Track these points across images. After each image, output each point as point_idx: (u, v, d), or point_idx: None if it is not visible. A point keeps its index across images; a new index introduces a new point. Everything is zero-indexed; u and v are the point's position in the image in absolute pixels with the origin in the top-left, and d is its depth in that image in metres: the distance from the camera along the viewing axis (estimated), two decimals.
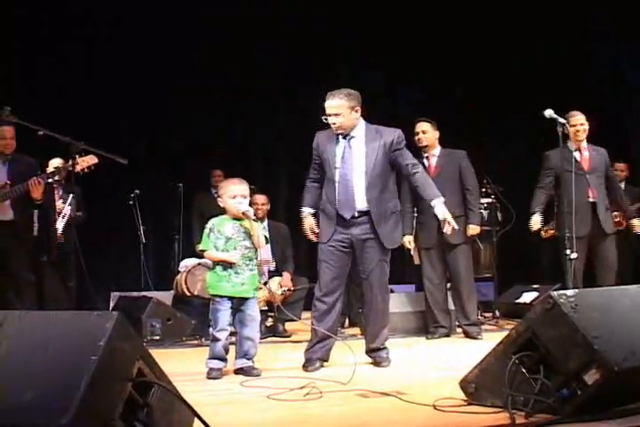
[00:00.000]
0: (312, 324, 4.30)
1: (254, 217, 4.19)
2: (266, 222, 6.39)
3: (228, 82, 7.99)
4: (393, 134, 4.31)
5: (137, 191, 7.47)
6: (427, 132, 5.81)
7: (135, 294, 6.69)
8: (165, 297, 6.38)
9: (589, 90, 7.78)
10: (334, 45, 7.88)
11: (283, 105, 8.66)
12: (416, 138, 5.82)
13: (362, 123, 4.35)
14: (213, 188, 7.33)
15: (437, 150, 5.87)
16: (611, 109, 7.79)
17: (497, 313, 6.82)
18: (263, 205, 6.42)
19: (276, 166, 9.06)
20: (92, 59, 7.27)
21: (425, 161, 5.82)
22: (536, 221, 5.70)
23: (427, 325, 5.93)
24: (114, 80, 7.30)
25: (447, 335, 5.83)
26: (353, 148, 4.30)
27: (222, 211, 4.28)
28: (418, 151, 5.86)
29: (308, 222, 4.40)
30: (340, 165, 4.26)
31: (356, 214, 4.24)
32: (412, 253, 6.02)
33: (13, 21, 6.97)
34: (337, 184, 4.25)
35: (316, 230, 4.35)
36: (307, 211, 4.45)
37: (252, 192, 5.12)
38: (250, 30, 7.50)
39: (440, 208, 4.24)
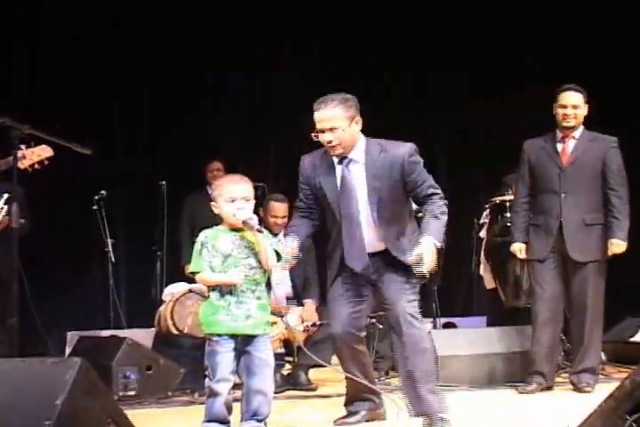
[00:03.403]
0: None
1: (259, 226, 4.11)
2: (282, 235, 6.21)
3: (227, 82, 9.35)
4: (402, 152, 4.39)
5: (103, 192, 7.48)
6: (578, 107, 5.76)
7: (101, 333, 6.72)
8: (144, 337, 6.39)
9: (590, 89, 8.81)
10: (334, 45, 9.49)
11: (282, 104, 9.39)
12: (561, 113, 5.76)
13: (362, 139, 4.47)
14: (209, 186, 7.32)
15: (579, 132, 5.83)
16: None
17: (603, 356, 6.77)
18: (284, 218, 6.26)
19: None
20: (91, 59, 8.39)
21: (559, 145, 5.80)
22: None
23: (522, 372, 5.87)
24: (114, 80, 8.49)
25: (549, 388, 5.77)
26: (353, 175, 4.40)
27: (220, 219, 4.27)
28: (555, 128, 5.85)
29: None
30: (340, 201, 4.39)
31: (370, 264, 4.40)
32: (480, 272, 5.96)
33: (13, 21, 8.34)
34: (341, 226, 4.41)
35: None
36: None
37: (264, 196, 5.09)
38: (250, 30, 9.00)
39: (423, 244, 4.17)
